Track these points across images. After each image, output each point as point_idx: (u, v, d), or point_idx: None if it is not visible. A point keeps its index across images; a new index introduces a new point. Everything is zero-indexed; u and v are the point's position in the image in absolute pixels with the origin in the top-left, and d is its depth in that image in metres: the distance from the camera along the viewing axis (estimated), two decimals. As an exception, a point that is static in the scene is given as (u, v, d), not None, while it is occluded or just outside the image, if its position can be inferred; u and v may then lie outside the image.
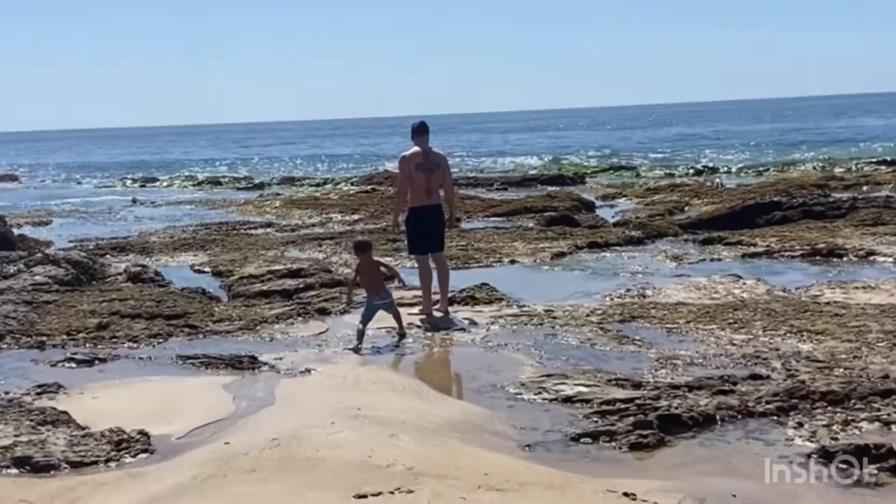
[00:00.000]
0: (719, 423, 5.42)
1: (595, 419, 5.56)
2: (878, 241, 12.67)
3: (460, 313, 9.18)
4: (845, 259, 11.79)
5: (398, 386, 6.52)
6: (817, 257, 12.03)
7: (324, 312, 9.44)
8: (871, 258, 11.70)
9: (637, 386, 6.11)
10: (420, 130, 8.98)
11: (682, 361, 6.79)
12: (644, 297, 9.85)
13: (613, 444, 5.15)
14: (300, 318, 9.19)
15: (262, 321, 9.03)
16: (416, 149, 8.94)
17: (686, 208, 19.17)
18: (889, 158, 28.38)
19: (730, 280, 10.53)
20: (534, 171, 31.98)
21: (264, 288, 10.78)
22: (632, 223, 15.76)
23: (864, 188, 20.99)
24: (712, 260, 12.35)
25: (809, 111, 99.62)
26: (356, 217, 19.85)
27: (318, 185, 32.15)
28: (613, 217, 18.09)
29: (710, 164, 30.45)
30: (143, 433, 5.40)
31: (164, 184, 36.09)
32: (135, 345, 8.18)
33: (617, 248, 13.78)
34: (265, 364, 7.27)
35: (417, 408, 5.93)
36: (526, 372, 6.72)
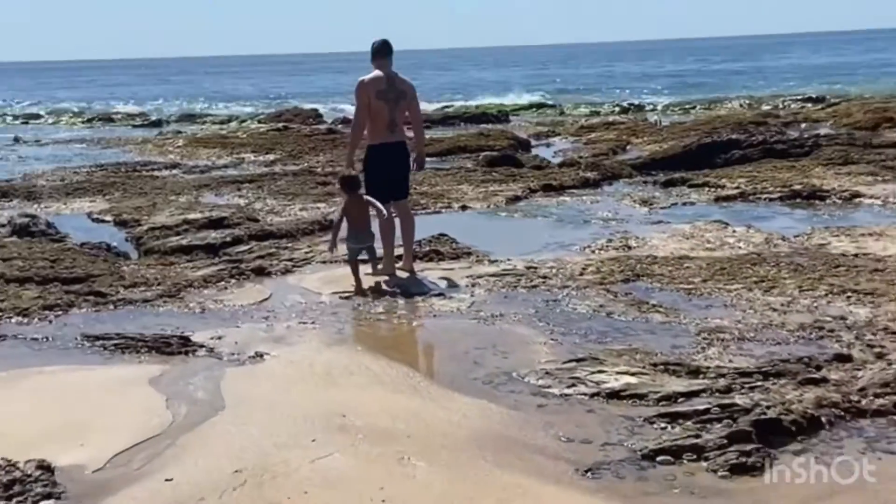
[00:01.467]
0: (827, 427, 4.15)
1: (663, 424, 4.21)
2: (856, 182, 11.69)
3: (427, 272, 7.73)
4: (828, 202, 10.77)
5: (384, 377, 5.03)
6: (797, 200, 10.99)
7: (261, 273, 7.83)
8: (857, 200, 10.72)
9: (694, 373, 4.79)
10: (382, 51, 7.37)
11: (729, 335, 5.50)
12: (629, 248, 8.62)
13: (705, 464, 3.82)
14: (234, 281, 7.57)
15: (186, 285, 7.38)
16: (378, 73, 7.33)
17: (628, 147, 18.02)
18: (815, 95, 27.90)
19: (717, 227, 9.38)
20: (450, 110, 30.39)
21: (183, 242, 9.05)
22: (581, 164, 14.46)
23: (803, 125, 20.26)
24: (684, 204, 11.18)
25: (704, 51, 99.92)
26: (272, 157, 18.03)
27: (222, 122, 29.90)
28: (554, 157, 16.82)
29: (636, 102, 29.44)
30: (44, 466, 3.81)
31: (50, 120, 33.09)
32: (25, 320, 6.45)
33: (573, 191, 12.51)
34: (201, 346, 5.68)
35: (419, 411, 4.47)
36: (542, 353, 5.32)
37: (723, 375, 4.70)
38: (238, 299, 6.97)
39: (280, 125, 25.29)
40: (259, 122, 28.62)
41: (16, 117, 34.75)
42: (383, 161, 7.36)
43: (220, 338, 5.85)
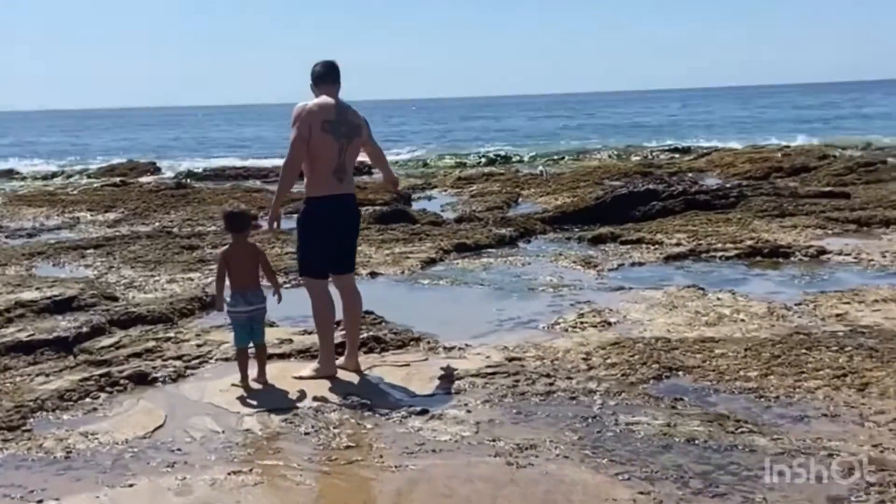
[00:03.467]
0: None
1: None
2: (808, 236, 10.55)
3: (376, 369, 5.71)
4: (794, 259, 9.49)
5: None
6: (757, 258, 9.66)
7: (143, 380, 5.57)
8: (825, 258, 9.47)
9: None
10: (329, 74, 5.36)
11: (891, 472, 3.78)
12: (609, 323, 6.99)
13: None
14: (105, 396, 5.28)
15: (35, 407, 5.04)
16: (326, 99, 5.30)
17: (520, 200, 16.56)
18: (680, 146, 27.67)
19: (694, 294, 7.93)
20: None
21: (21, 336, 6.60)
22: (490, 219, 12.79)
23: (689, 175, 19.44)
24: (633, 265, 9.63)
25: (531, 108, 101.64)
26: (113, 216, 15.43)
27: (45, 178, 26.52)
28: (443, 210, 15.14)
29: (502, 153, 28.25)
30: None
31: None
32: None
33: (491, 250, 10.81)
34: (78, 535, 3.43)
35: None
36: (644, 522, 3.40)
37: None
38: (118, 429, 4.70)
39: (117, 180, 22.47)
40: (89, 176, 25.58)
41: None
42: (327, 220, 5.30)
43: (106, 512, 3.61)
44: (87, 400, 5.18)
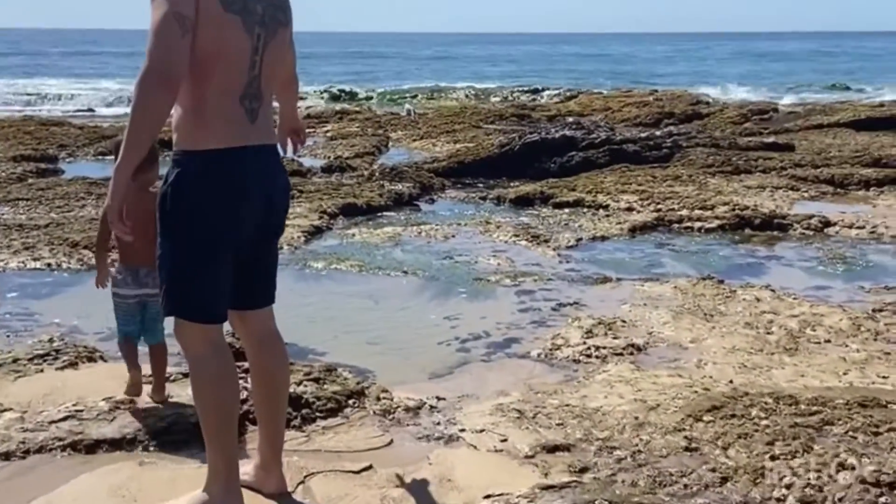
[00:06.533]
0: None
1: None
2: (788, 200, 8.56)
3: (317, 482, 2.96)
4: (794, 232, 7.42)
5: None
6: (746, 230, 7.50)
7: None
8: (831, 230, 7.45)
9: None
10: None
11: None
12: (637, 348, 4.64)
13: None
14: None
15: None
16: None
17: (391, 144, 13.84)
18: (539, 87, 25.59)
19: (716, 290, 5.77)
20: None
21: None
22: (376, 172, 10.05)
23: (569, 119, 17.37)
24: (594, 239, 7.22)
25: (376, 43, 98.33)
26: None
27: None
28: (300, 156, 12.19)
29: (347, 89, 25.17)
30: None
31: None
32: None
33: (388, 214, 8.22)
34: None
35: None
36: None
37: None
38: None
39: None
40: None
41: None
42: (230, 200, 2.42)
43: None
44: None
